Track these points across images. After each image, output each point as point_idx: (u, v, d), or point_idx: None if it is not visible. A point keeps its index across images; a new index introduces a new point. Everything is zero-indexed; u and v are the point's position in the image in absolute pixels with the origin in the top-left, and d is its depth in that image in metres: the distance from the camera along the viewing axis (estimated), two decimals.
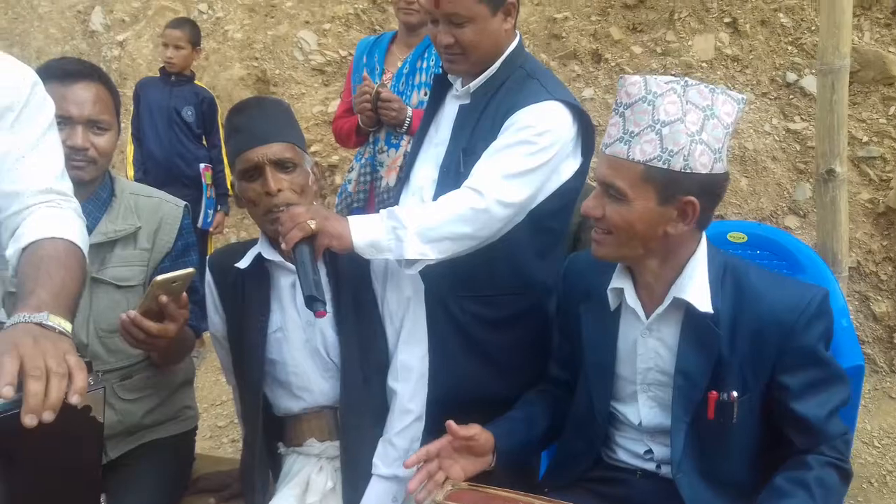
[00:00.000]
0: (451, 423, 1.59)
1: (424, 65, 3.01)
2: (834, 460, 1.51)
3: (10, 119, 1.40)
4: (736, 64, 4.11)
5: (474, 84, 1.97)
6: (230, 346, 1.90)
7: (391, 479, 1.76)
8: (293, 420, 1.87)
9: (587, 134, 1.95)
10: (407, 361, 1.82)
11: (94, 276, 1.81)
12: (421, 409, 1.82)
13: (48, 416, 1.01)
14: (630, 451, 1.70)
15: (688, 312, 1.54)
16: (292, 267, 1.75)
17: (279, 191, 1.73)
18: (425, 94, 2.95)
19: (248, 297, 1.83)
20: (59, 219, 1.37)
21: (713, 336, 1.51)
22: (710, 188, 1.47)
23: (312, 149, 4.75)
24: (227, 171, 4.09)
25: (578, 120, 1.91)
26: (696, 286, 1.52)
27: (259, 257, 1.82)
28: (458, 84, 2.06)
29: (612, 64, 4.35)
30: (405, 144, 2.94)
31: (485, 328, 1.98)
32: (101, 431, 1.14)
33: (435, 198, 1.92)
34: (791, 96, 3.96)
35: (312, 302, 1.57)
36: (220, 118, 4.14)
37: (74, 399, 1.04)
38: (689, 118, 1.41)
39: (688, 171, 1.42)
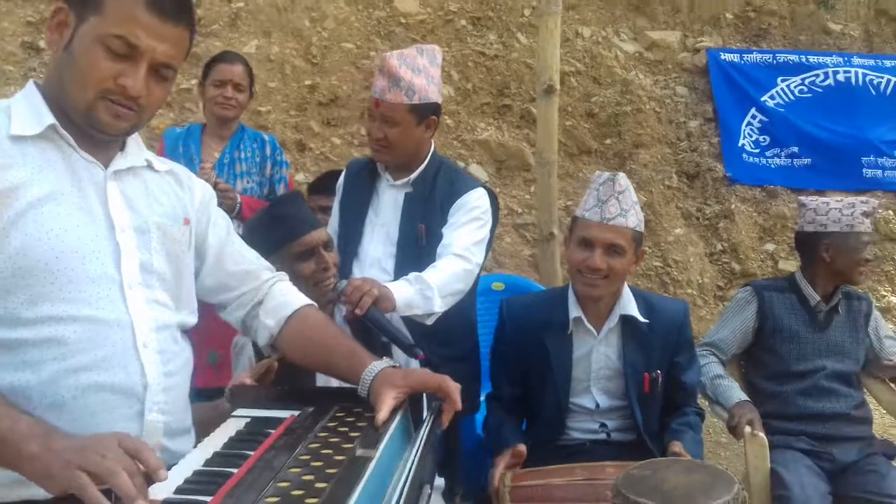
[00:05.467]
0: (521, 447, 2.14)
1: (242, 155, 3.36)
2: (697, 409, 2.46)
3: (212, 207, 1.61)
4: None
5: (414, 176, 2.52)
6: None
7: None
8: None
9: (495, 209, 2.64)
10: None
11: None
12: None
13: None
14: (583, 429, 2.41)
15: (624, 323, 2.35)
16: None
17: (333, 265, 2.09)
18: (247, 182, 3.31)
19: None
20: (294, 290, 1.62)
21: (646, 337, 2.35)
22: None
23: None
24: None
25: (492, 199, 2.60)
26: (631, 305, 2.35)
27: None
28: (387, 176, 2.57)
29: (317, 152, 5.00)
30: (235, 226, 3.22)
31: (446, 364, 2.50)
32: None
33: (398, 266, 2.43)
34: None
35: (412, 348, 1.99)
36: None
37: None
38: (634, 198, 2.27)
39: (642, 232, 2.27)
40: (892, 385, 2.98)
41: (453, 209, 2.46)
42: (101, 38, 1.28)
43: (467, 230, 2.42)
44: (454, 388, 1.42)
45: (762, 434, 2.53)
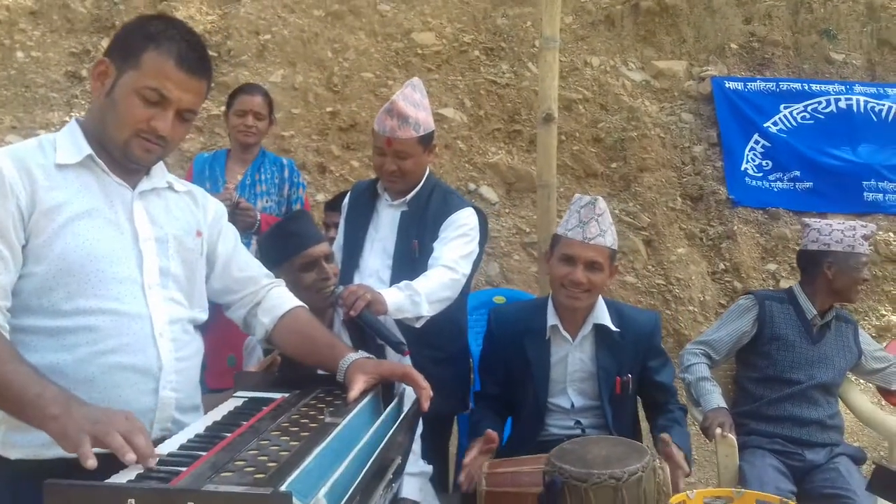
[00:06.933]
0: (492, 432, 2.34)
1: (262, 177, 3.68)
2: (679, 405, 2.67)
3: (223, 222, 1.90)
4: None
5: (410, 197, 2.79)
6: None
7: None
8: None
9: (484, 226, 2.90)
10: None
11: None
12: None
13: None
14: (560, 426, 2.64)
15: (597, 331, 2.58)
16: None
17: (333, 276, 2.37)
18: (267, 202, 3.63)
19: None
20: (289, 293, 1.90)
21: (617, 343, 2.58)
22: None
23: None
24: None
25: (481, 217, 2.86)
26: (604, 315, 2.59)
27: None
28: (386, 196, 2.85)
29: (337, 174, 5.31)
30: (254, 243, 3.52)
31: (432, 364, 2.75)
32: None
33: (394, 277, 2.70)
34: (474, 199, 5.38)
35: (400, 346, 2.25)
36: None
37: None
38: (611, 220, 2.52)
39: (616, 250, 2.52)
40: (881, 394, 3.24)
41: (444, 226, 2.73)
42: (137, 89, 1.58)
43: (456, 244, 2.68)
44: (418, 375, 1.68)
45: (732, 436, 2.74)
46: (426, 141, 2.74)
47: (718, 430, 2.73)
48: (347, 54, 5.79)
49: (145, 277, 1.64)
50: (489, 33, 6.18)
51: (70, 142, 1.64)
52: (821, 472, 2.82)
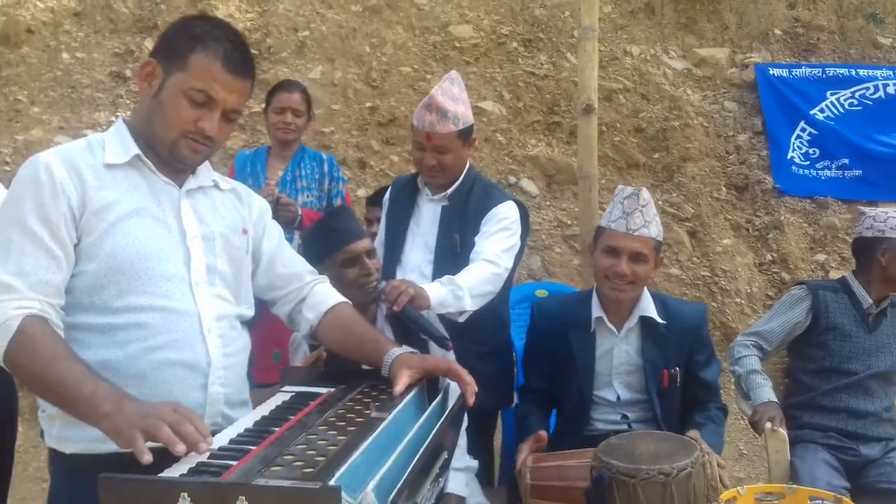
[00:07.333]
0: (543, 433, 2.37)
1: (303, 172, 3.71)
2: (720, 405, 2.63)
3: (267, 219, 1.91)
4: None
5: (450, 191, 2.78)
6: None
7: None
8: None
9: (525, 220, 2.89)
10: None
11: None
12: None
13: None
14: (606, 420, 2.62)
15: (643, 323, 2.55)
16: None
17: (375, 271, 2.38)
18: (308, 197, 3.66)
19: None
20: (332, 290, 1.91)
21: (664, 336, 2.55)
22: None
23: None
24: None
25: (522, 211, 2.84)
26: (650, 307, 2.55)
27: None
28: (427, 191, 2.84)
29: (377, 169, 5.33)
30: (297, 238, 3.55)
31: (476, 359, 2.75)
32: None
33: (435, 271, 2.70)
34: (515, 192, 5.35)
35: (444, 341, 2.25)
36: None
37: None
38: (655, 211, 2.48)
39: (661, 241, 2.48)
40: None
41: (485, 220, 2.71)
42: (185, 90, 1.59)
43: (497, 238, 2.67)
44: (462, 370, 1.68)
45: (783, 430, 2.68)
46: (466, 135, 2.73)
47: (768, 425, 2.67)
48: (385, 49, 5.80)
49: (193, 275, 1.66)
50: (527, 24, 6.14)
51: (118, 142, 1.66)
52: (875, 467, 2.76)
